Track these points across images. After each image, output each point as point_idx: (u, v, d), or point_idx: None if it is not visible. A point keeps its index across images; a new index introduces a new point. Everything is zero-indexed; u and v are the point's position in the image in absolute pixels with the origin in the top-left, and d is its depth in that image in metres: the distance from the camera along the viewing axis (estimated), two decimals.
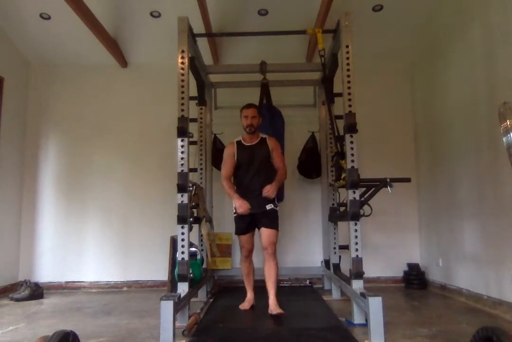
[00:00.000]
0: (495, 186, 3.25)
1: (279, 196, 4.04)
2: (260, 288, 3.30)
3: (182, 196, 2.92)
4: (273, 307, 3.03)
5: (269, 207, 3.20)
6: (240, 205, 3.17)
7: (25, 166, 4.79)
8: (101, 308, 3.62)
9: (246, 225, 3.26)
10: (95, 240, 4.68)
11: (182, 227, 2.91)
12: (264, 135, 3.38)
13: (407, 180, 3.12)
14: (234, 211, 3.27)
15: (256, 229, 3.31)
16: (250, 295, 3.33)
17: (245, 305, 3.27)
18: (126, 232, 4.69)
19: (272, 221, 3.22)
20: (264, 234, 3.17)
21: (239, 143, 3.34)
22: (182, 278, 2.85)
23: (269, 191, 3.16)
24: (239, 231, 3.29)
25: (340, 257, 4.04)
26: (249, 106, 3.32)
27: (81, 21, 3.91)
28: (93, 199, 4.75)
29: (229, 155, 3.32)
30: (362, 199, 3.05)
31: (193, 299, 3.17)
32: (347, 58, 3.09)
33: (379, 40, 4.61)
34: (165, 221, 4.22)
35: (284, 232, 4.36)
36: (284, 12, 4.26)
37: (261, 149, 3.30)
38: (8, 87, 4.49)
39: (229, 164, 3.31)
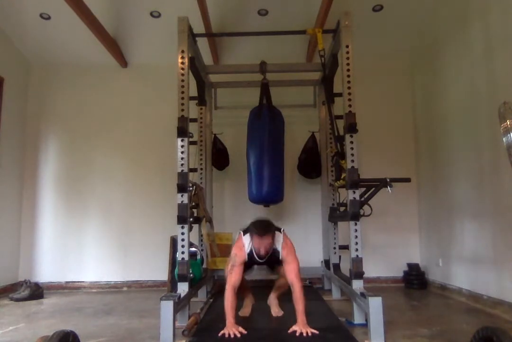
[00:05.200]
0: (495, 186, 3.25)
1: (279, 197, 4.05)
2: (260, 288, 3.30)
3: (182, 196, 2.92)
4: (276, 311, 2.98)
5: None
6: (229, 330, 2.49)
7: (25, 166, 4.79)
8: (101, 308, 3.62)
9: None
10: (95, 240, 4.68)
11: (182, 227, 2.91)
12: (276, 246, 2.78)
13: (407, 180, 3.12)
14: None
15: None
16: (249, 299, 3.09)
17: (247, 311, 3.02)
18: (126, 232, 4.69)
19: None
20: (287, 267, 2.73)
21: (250, 255, 2.76)
22: (182, 278, 2.85)
23: (301, 329, 2.52)
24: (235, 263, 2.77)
25: (340, 257, 4.04)
26: (263, 233, 2.65)
27: (81, 21, 3.91)
28: (93, 199, 4.75)
29: (240, 261, 2.73)
30: (362, 199, 3.05)
31: (193, 299, 3.16)
32: (347, 58, 3.09)
33: (379, 40, 4.61)
34: (165, 221, 4.22)
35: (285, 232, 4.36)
36: (284, 12, 4.26)
37: (271, 260, 2.84)
38: (8, 87, 4.49)
39: (239, 270, 2.72)
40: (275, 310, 3.03)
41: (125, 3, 4.18)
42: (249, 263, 2.84)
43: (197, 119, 4.23)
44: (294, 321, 2.94)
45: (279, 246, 2.77)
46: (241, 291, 2.92)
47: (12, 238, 4.58)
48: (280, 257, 2.77)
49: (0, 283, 4.29)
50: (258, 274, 4.36)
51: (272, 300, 3.10)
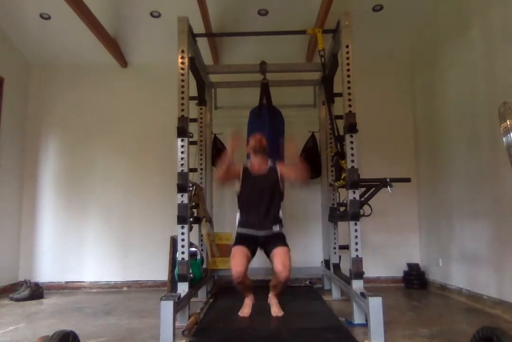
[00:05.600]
0: (495, 186, 3.25)
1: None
2: (260, 288, 3.29)
3: (182, 196, 2.91)
4: (277, 310, 3.00)
5: (275, 228, 3.01)
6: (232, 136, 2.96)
7: (25, 166, 4.79)
8: (101, 308, 3.62)
9: (247, 242, 2.96)
10: (95, 240, 4.68)
11: (182, 227, 2.91)
12: (272, 164, 3.10)
13: (407, 180, 3.13)
14: (237, 225, 3.05)
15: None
16: (249, 299, 3.08)
17: (247, 311, 3.01)
18: (126, 232, 4.69)
19: (281, 240, 2.95)
20: (276, 254, 2.84)
21: (246, 170, 3.05)
22: (182, 278, 2.85)
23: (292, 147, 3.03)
24: (236, 242, 2.98)
25: (340, 257, 4.04)
26: (256, 135, 3.11)
27: (81, 21, 3.91)
28: (93, 199, 4.75)
29: (237, 169, 3.04)
30: (362, 199, 3.05)
31: (193, 299, 3.16)
32: (347, 58, 3.09)
33: (379, 40, 4.61)
34: (165, 221, 4.22)
35: (284, 231, 4.35)
36: (284, 12, 4.26)
37: (269, 179, 3.03)
38: (8, 87, 4.49)
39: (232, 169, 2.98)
40: (275, 310, 3.03)
41: (125, 3, 4.18)
42: (245, 185, 3.03)
43: (197, 119, 4.23)
44: (294, 321, 2.96)
45: (274, 164, 3.10)
46: (242, 287, 2.98)
47: (12, 238, 4.58)
48: (278, 172, 3.03)
49: (0, 283, 4.29)
50: (258, 273, 4.37)
51: (272, 299, 3.10)
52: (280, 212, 3.13)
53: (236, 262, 2.82)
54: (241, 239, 3.01)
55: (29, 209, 4.73)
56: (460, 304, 3.57)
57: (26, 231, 4.70)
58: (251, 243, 2.98)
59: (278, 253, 2.85)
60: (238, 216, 3.14)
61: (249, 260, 2.92)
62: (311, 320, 3.00)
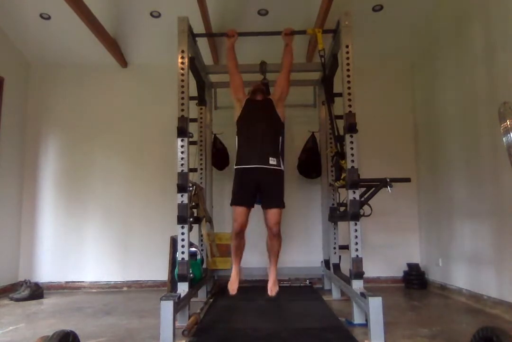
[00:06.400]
0: (495, 186, 3.25)
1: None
2: (260, 288, 3.30)
3: (182, 196, 2.91)
4: (272, 287, 3.05)
5: (272, 161, 3.00)
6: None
7: (25, 166, 4.79)
8: (101, 308, 3.62)
9: (245, 194, 3.04)
10: (95, 240, 4.68)
11: (182, 227, 2.91)
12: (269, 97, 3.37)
13: (407, 180, 3.12)
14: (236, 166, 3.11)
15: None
16: (236, 270, 3.13)
17: (234, 286, 3.06)
18: (126, 232, 4.69)
19: (277, 192, 3.05)
20: (270, 213, 3.02)
21: (247, 99, 3.28)
22: (182, 278, 2.85)
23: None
24: (235, 200, 3.05)
25: (340, 257, 4.04)
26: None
27: (81, 21, 3.91)
28: (93, 199, 4.75)
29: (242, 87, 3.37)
30: (362, 199, 3.05)
31: (193, 299, 3.16)
32: (347, 58, 3.09)
33: (379, 40, 4.61)
34: (165, 221, 4.22)
35: (284, 232, 4.33)
36: (284, 12, 4.26)
37: (267, 106, 3.23)
38: (8, 87, 4.49)
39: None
40: (271, 286, 3.05)
41: (125, 3, 4.18)
42: (247, 108, 3.18)
43: (197, 119, 4.23)
44: (294, 321, 2.96)
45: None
46: (237, 244, 3.10)
47: (12, 238, 4.58)
48: (274, 101, 3.23)
49: (0, 283, 4.29)
50: (258, 274, 4.38)
51: (270, 272, 3.13)
52: (280, 144, 3.20)
53: (239, 218, 3.01)
54: (239, 188, 3.08)
55: (29, 209, 4.73)
56: (460, 304, 3.57)
57: (26, 231, 4.69)
58: (249, 194, 3.05)
59: (272, 213, 3.02)
60: (236, 142, 3.20)
61: (249, 214, 3.08)
62: (311, 320, 3.00)
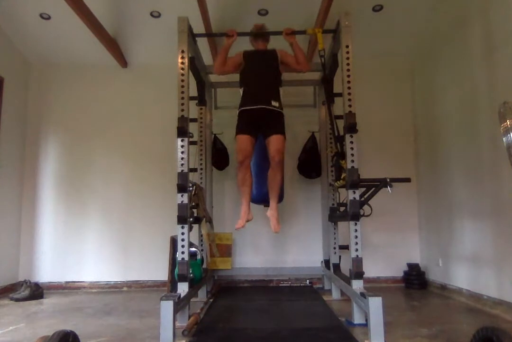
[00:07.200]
0: (495, 186, 3.25)
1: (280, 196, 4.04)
2: (260, 288, 3.30)
3: (182, 196, 2.92)
4: (275, 224, 3.12)
5: (274, 103, 3.19)
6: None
7: (25, 166, 4.79)
8: (101, 308, 3.62)
9: (249, 124, 3.21)
10: (95, 240, 4.68)
11: (182, 227, 2.91)
12: (273, 49, 3.51)
13: (407, 180, 3.12)
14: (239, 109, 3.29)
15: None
16: (245, 207, 3.24)
17: (240, 223, 3.18)
18: (126, 232, 4.69)
19: (278, 126, 3.21)
20: (271, 141, 3.15)
21: (246, 52, 3.46)
22: (182, 278, 2.85)
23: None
24: (239, 131, 3.24)
25: (340, 257, 4.04)
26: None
27: (81, 21, 3.91)
28: (93, 199, 4.75)
29: (236, 58, 3.48)
30: (362, 199, 3.05)
31: (193, 299, 3.16)
32: (347, 58, 3.09)
33: (379, 40, 4.61)
34: (165, 221, 4.22)
35: (284, 231, 4.36)
36: (284, 12, 4.25)
37: (269, 56, 3.40)
38: (8, 87, 4.49)
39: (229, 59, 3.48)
40: (274, 223, 3.12)
41: (125, 3, 4.18)
42: (248, 59, 3.37)
43: (197, 119, 4.23)
44: (294, 321, 2.96)
45: (275, 51, 3.46)
46: (243, 177, 3.23)
47: (12, 238, 4.58)
48: (278, 56, 3.38)
49: (0, 283, 4.29)
50: (258, 274, 4.38)
51: (270, 211, 3.20)
52: (280, 91, 3.35)
53: (242, 145, 3.18)
54: (242, 124, 3.25)
55: (29, 209, 4.73)
56: (460, 304, 3.57)
57: (26, 231, 4.69)
58: (252, 128, 3.21)
59: (274, 140, 3.15)
60: (241, 92, 3.37)
61: (253, 145, 3.25)
62: (311, 320, 3.00)
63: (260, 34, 3.45)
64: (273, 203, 3.23)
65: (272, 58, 3.43)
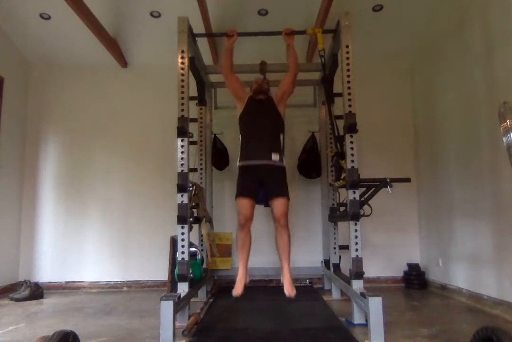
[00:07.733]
0: (495, 186, 3.25)
1: None
2: (260, 288, 3.29)
3: (182, 196, 2.91)
4: (289, 288, 2.94)
5: (275, 156, 3.07)
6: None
7: (25, 166, 4.79)
8: (101, 308, 3.62)
9: (250, 185, 3.08)
10: (95, 240, 4.68)
11: (182, 227, 2.91)
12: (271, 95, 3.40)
13: (407, 180, 3.12)
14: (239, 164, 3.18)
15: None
16: (242, 271, 3.04)
17: (238, 289, 2.94)
18: (126, 232, 4.69)
19: (281, 186, 3.08)
20: (276, 204, 3.03)
21: (249, 97, 3.32)
22: (182, 278, 2.85)
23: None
24: (239, 193, 3.08)
25: (340, 257, 4.04)
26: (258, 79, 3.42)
27: (81, 21, 3.91)
28: (93, 199, 4.75)
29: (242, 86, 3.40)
30: (362, 199, 3.05)
31: (193, 299, 3.17)
32: (347, 58, 3.09)
33: (379, 40, 4.61)
34: (165, 221, 4.22)
35: None
36: (284, 12, 4.26)
37: (269, 104, 3.26)
38: (8, 87, 4.49)
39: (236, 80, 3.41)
40: (288, 288, 2.95)
41: (125, 3, 4.18)
42: (248, 107, 3.23)
43: (197, 119, 4.23)
44: (294, 321, 2.96)
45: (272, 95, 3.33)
46: (243, 239, 3.09)
47: (12, 238, 4.58)
48: (275, 95, 3.29)
49: (0, 283, 4.29)
50: (258, 275, 4.37)
51: (284, 273, 3.03)
52: (281, 141, 3.26)
53: (243, 210, 3.05)
54: (243, 184, 3.12)
55: (29, 209, 4.73)
56: (460, 304, 3.57)
57: (26, 231, 4.69)
58: (253, 188, 3.09)
59: (279, 203, 3.04)
60: (240, 138, 3.27)
61: (254, 208, 3.11)
62: (311, 320, 3.00)
63: (261, 91, 3.28)
64: (285, 264, 3.02)
65: (272, 105, 3.28)
